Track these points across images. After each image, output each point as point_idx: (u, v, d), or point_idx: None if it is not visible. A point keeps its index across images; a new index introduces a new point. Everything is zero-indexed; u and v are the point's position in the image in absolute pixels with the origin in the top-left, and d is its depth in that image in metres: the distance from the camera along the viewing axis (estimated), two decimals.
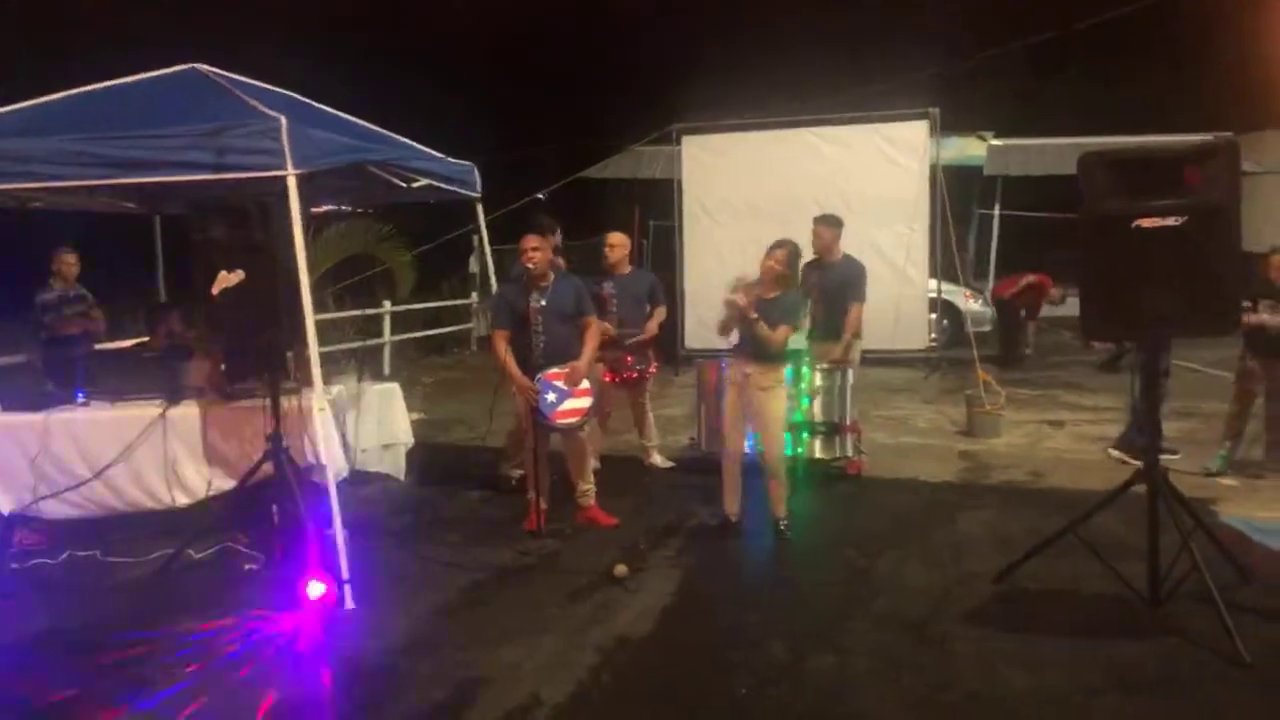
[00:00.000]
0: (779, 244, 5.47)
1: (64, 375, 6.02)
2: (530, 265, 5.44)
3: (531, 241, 5.48)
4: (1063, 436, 8.10)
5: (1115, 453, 7.16)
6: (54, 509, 5.25)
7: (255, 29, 16.37)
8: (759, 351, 5.39)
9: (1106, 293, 4.13)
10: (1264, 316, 6.30)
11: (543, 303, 5.48)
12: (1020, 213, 17.81)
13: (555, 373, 5.47)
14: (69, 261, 7.19)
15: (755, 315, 5.26)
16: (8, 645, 4.22)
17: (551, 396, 5.45)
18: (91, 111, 5.07)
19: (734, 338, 5.56)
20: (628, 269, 6.97)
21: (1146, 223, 3.95)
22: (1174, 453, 6.72)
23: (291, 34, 17.33)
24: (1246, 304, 6.14)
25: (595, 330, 5.76)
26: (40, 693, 3.72)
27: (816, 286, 6.81)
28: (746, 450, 5.67)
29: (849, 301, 6.79)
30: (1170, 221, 3.92)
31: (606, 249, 6.94)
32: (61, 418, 5.28)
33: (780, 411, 5.52)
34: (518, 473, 6.51)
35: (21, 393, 5.66)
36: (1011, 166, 17.29)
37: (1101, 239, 4.10)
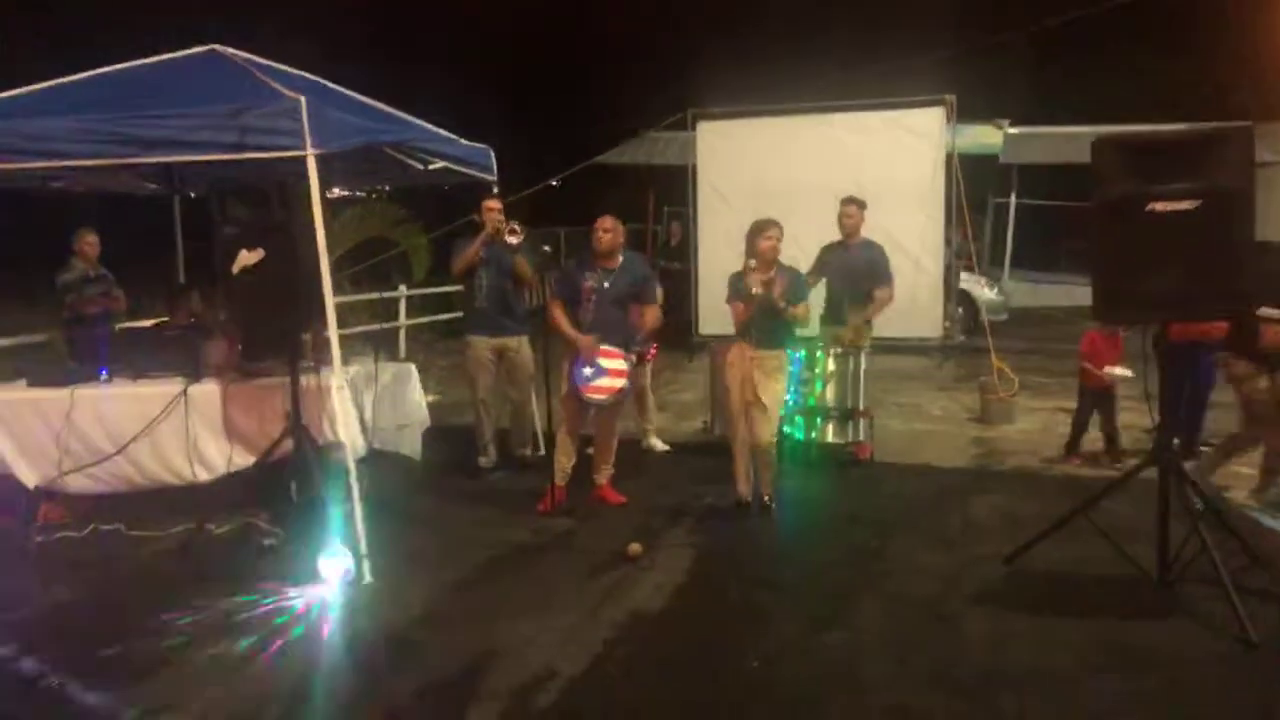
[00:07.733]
0: (769, 222, 5.55)
1: (87, 353, 6.12)
2: (599, 246, 5.64)
3: (607, 223, 5.68)
4: None
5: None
6: (78, 483, 5.34)
7: (270, 10, 16.45)
8: (766, 338, 5.44)
9: (1118, 276, 4.14)
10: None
11: (605, 285, 5.64)
12: (1036, 201, 17.72)
13: (598, 349, 5.55)
14: (90, 242, 7.27)
15: (783, 304, 5.36)
16: (32, 617, 4.32)
17: (588, 371, 5.54)
18: (113, 92, 5.10)
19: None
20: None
21: (1160, 206, 3.96)
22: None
23: (305, 16, 17.40)
24: None
25: (654, 315, 5.89)
26: (63, 664, 3.81)
27: (837, 268, 6.83)
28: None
29: (876, 284, 6.80)
30: (1184, 205, 3.93)
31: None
32: (86, 394, 5.36)
33: (779, 395, 5.57)
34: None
35: (47, 370, 5.75)
36: (1028, 155, 17.17)
37: (1114, 223, 4.10)
